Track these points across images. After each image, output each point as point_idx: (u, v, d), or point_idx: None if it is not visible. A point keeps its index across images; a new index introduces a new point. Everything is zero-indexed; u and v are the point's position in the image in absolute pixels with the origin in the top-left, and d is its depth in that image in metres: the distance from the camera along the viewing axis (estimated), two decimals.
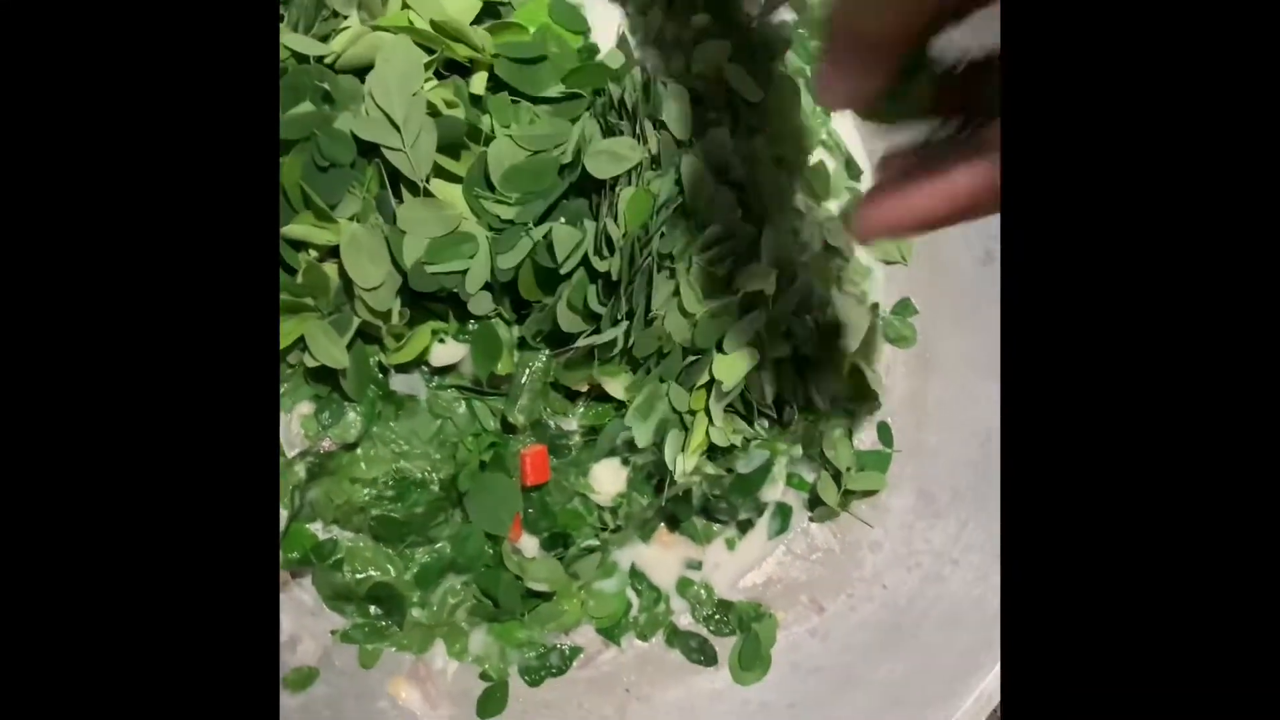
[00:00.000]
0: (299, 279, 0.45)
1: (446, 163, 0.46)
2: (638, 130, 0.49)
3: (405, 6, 0.48)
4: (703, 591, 0.55)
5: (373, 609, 0.49)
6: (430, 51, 0.47)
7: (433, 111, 0.45)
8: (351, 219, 0.45)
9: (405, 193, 0.44)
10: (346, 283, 0.44)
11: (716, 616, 0.54)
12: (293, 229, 0.44)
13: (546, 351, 0.48)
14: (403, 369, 0.48)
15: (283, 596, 0.48)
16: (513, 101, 0.50)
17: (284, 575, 0.48)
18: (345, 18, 0.48)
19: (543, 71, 0.50)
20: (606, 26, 0.53)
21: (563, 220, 0.47)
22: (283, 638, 0.47)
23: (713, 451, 0.49)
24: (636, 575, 0.54)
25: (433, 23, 0.47)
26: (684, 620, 0.54)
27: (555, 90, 0.49)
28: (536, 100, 0.50)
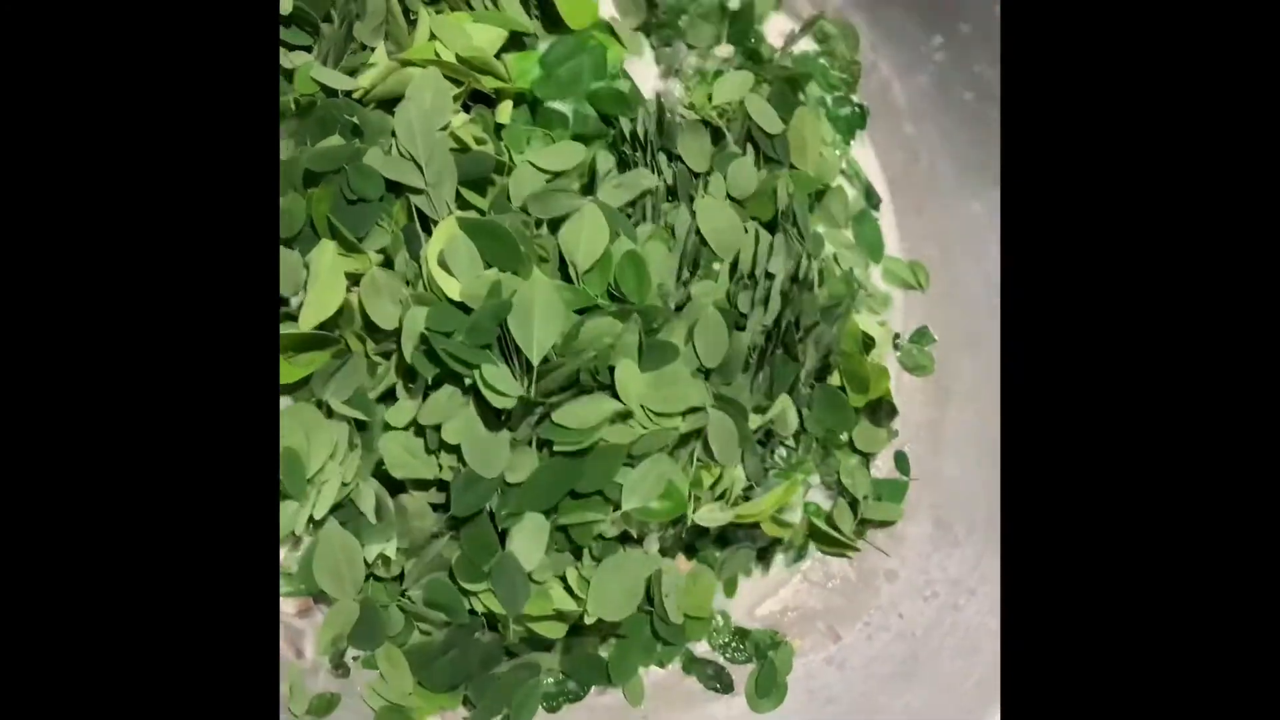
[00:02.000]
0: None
1: (472, 197, 0.46)
2: (650, 162, 0.50)
3: (432, 38, 0.48)
4: (719, 619, 0.55)
5: None
6: (457, 84, 0.47)
7: (460, 147, 0.46)
8: (380, 252, 0.45)
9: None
10: (367, 322, 0.45)
11: (733, 644, 0.55)
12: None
13: None
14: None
15: (303, 623, 0.48)
16: (526, 127, 0.50)
17: (306, 601, 0.48)
18: (373, 49, 0.48)
19: (584, 68, 0.50)
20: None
21: None
22: (304, 664, 0.47)
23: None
24: None
25: (458, 56, 0.47)
26: (700, 647, 0.55)
27: (584, 99, 0.50)
28: (550, 126, 0.50)
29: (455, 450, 0.44)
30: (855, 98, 0.59)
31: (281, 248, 0.45)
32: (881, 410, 0.57)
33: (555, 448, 0.44)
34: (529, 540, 0.45)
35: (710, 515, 0.48)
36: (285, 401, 0.47)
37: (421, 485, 0.46)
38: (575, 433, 0.44)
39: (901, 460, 0.58)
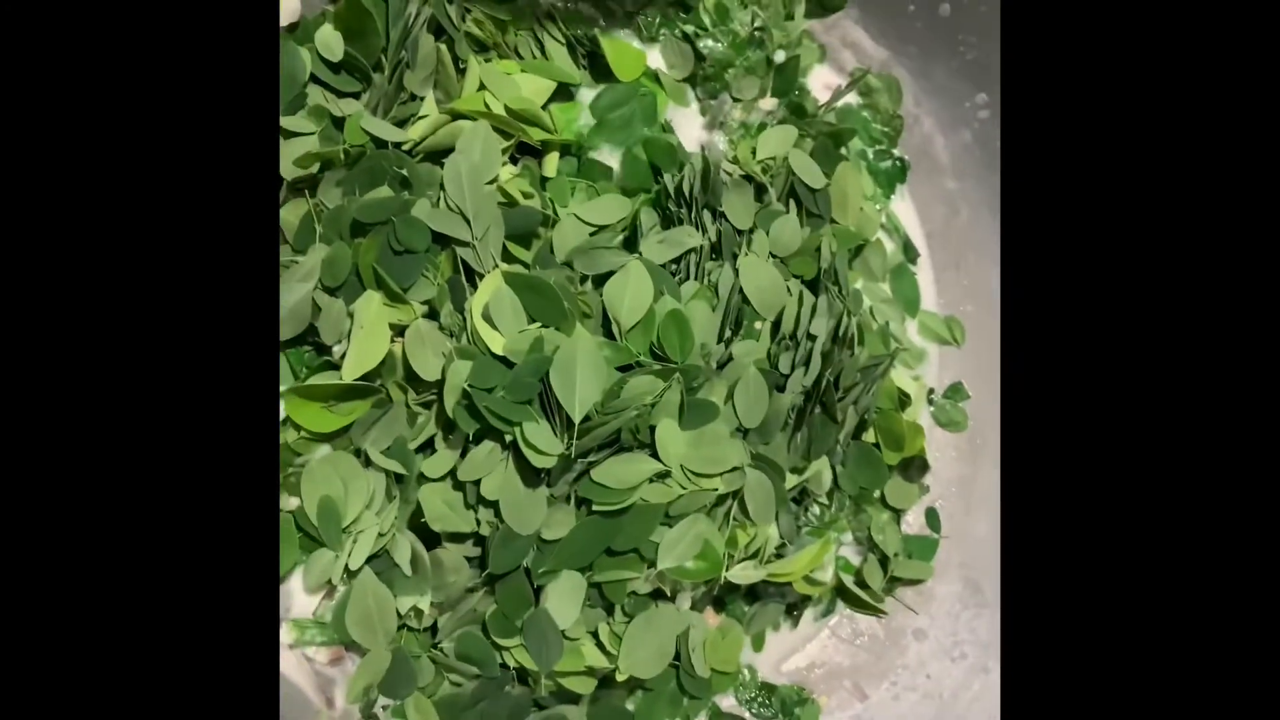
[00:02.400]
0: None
1: (517, 251, 0.46)
2: (695, 219, 0.50)
3: (481, 88, 0.48)
4: (746, 673, 0.55)
5: None
6: (506, 136, 0.48)
7: (508, 201, 0.46)
8: (424, 303, 0.45)
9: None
10: (409, 372, 0.45)
11: (760, 699, 0.54)
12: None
13: None
14: None
15: (335, 671, 0.48)
16: (571, 179, 0.50)
17: (339, 650, 0.48)
18: (422, 99, 0.48)
19: (634, 115, 0.50)
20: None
21: None
22: (334, 714, 0.47)
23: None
24: None
25: (507, 108, 0.47)
26: (727, 702, 0.54)
27: (633, 148, 0.50)
28: (595, 179, 0.50)
29: (493, 505, 0.44)
30: (897, 151, 0.59)
31: (326, 296, 0.45)
32: (914, 466, 0.57)
33: (594, 506, 0.44)
34: (564, 598, 0.45)
35: (743, 574, 0.48)
36: (324, 449, 0.47)
37: (458, 538, 0.46)
38: (614, 492, 0.44)
39: (932, 516, 0.58)
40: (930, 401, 0.59)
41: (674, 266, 0.49)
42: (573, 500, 0.45)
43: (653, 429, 0.44)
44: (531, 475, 0.44)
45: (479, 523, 0.45)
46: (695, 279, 0.48)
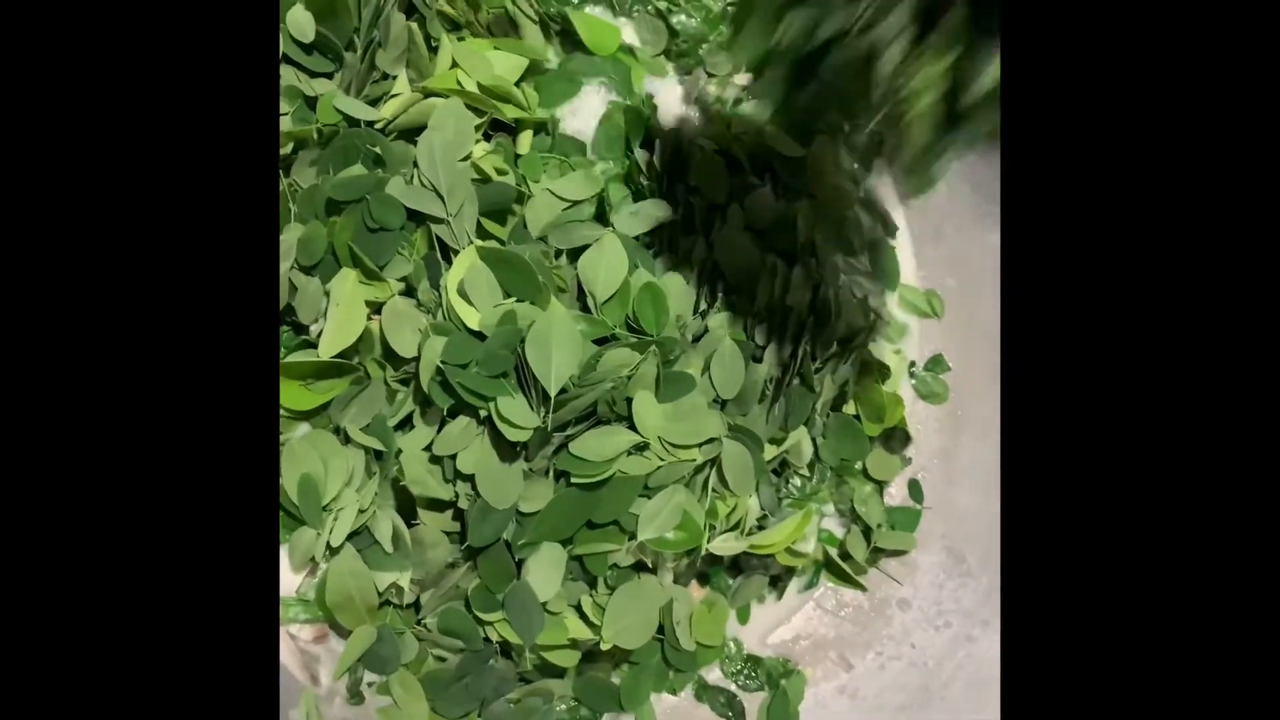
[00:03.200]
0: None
1: (492, 227, 0.47)
2: (665, 193, 0.50)
3: (454, 66, 0.49)
4: (732, 646, 0.55)
5: None
6: (479, 113, 0.48)
7: (482, 178, 0.46)
8: (401, 280, 0.46)
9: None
10: (387, 349, 0.45)
11: (745, 672, 0.55)
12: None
13: None
14: None
15: (319, 649, 0.48)
16: (545, 154, 0.50)
17: (323, 628, 0.48)
18: (394, 78, 0.48)
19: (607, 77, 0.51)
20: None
21: None
22: (320, 691, 0.47)
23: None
24: None
25: (480, 85, 0.48)
26: (713, 675, 0.55)
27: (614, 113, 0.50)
28: (568, 154, 0.50)
29: (470, 479, 0.44)
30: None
31: (302, 275, 0.46)
32: (895, 438, 0.57)
33: (573, 479, 0.44)
34: (545, 570, 0.45)
35: (725, 545, 0.48)
36: (303, 428, 0.47)
37: (438, 507, 0.46)
38: (592, 464, 0.44)
39: (915, 488, 0.58)
40: (911, 374, 0.59)
41: (649, 241, 0.49)
42: (551, 474, 0.45)
43: (629, 401, 0.45)
44: (507, 449, 0.44)
45: (457, 495, 0.45)
46: (669, 252, 0.49)
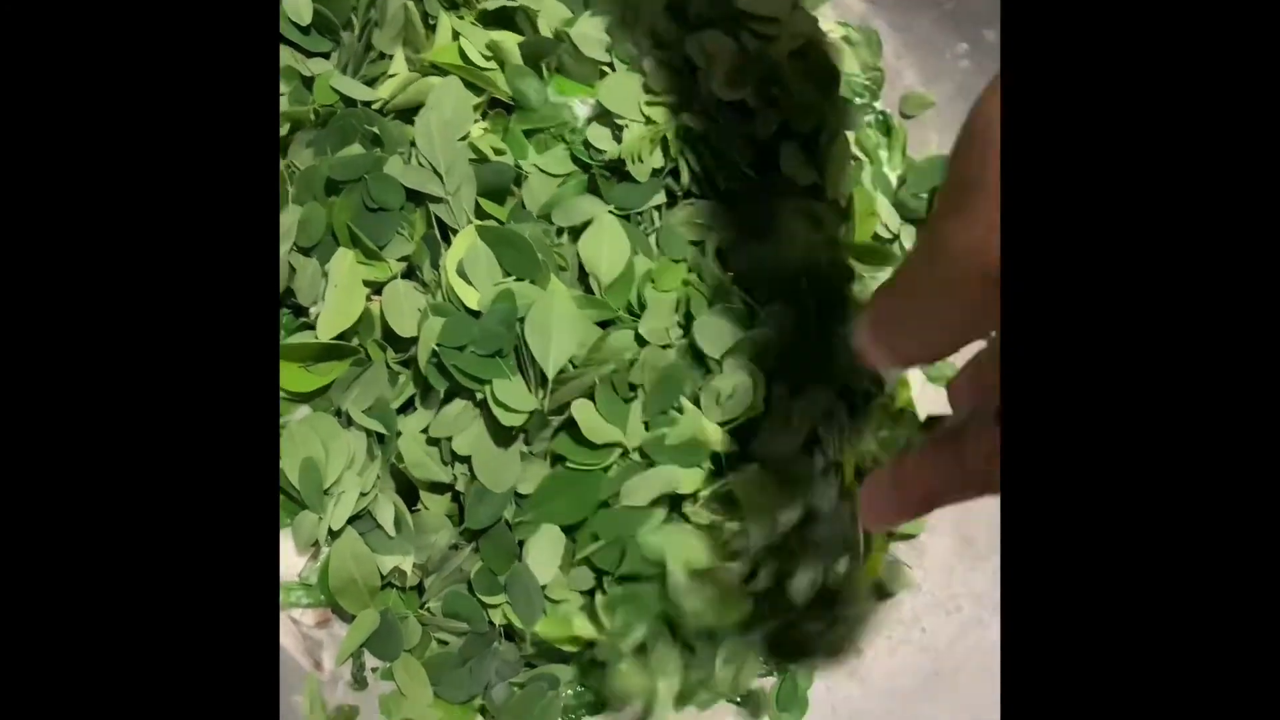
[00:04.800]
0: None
1: (491, 208, 0.46)
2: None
3: (456, 37, 0.48)
4: None
5: None
6: (478, 92, 0.47)
7: (479, 158, 0.45)
8: (401, 260, 0.45)
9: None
10: (387, 331, 0.45)
11: None
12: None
13: None
14: None
15: (322, 634, 0.48)
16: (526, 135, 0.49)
17: (325, 612, 0.48)
18: (392, 58, 0.48)
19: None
20: None
21: None
22: (323, 676, 0.47)
23: None
24: None
25: (484, 54, 0.47)
26: None
27: None
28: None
29: (467, 461, 0.44)
30: (879, 105, 0.59)
31: (301, 256, 0.45)
32: (904, 420, 0.56)
33: (568, 464, 0.43)
34: (543, 553, 0.44)
35: None
36: (303, 410, 0.46)
37: (438, 489, 0.46)
38: (587, 451, 0.43)
39: None
40: None
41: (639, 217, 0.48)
42: (548, 457, 0.44)
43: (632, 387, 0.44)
44: (504, 432, 0.44)
45: (456, 478, 0.44)
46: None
